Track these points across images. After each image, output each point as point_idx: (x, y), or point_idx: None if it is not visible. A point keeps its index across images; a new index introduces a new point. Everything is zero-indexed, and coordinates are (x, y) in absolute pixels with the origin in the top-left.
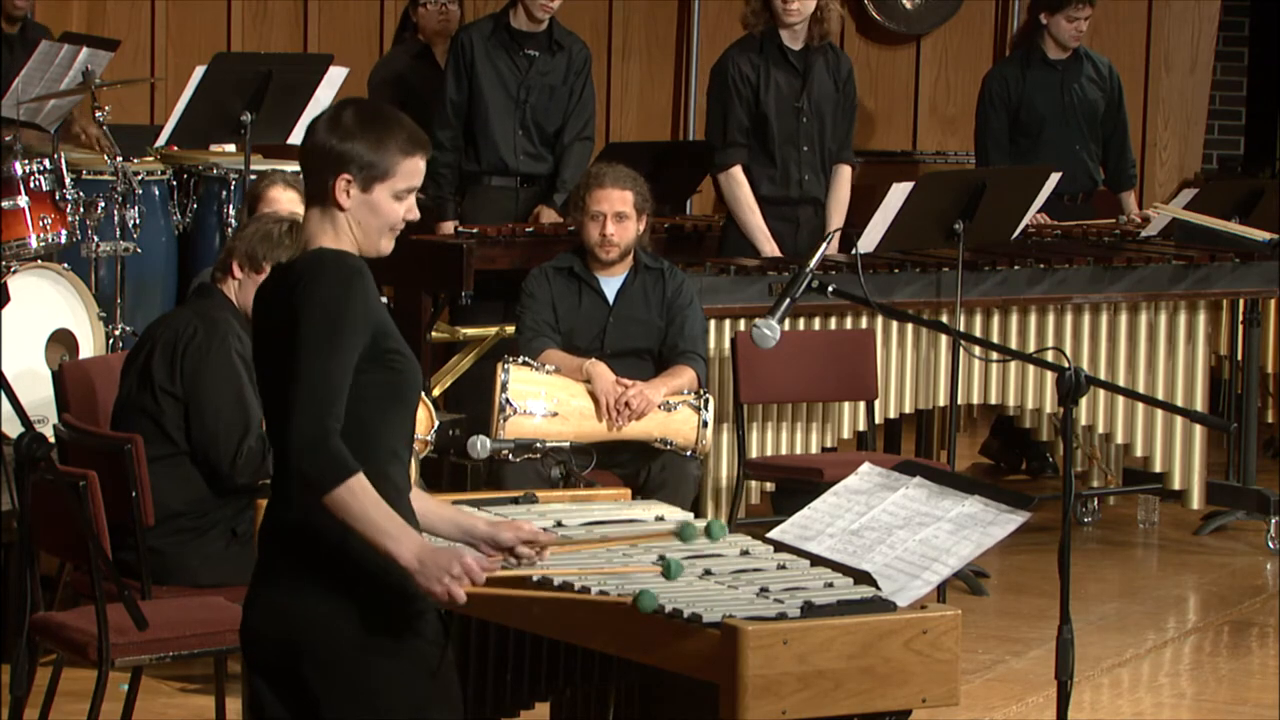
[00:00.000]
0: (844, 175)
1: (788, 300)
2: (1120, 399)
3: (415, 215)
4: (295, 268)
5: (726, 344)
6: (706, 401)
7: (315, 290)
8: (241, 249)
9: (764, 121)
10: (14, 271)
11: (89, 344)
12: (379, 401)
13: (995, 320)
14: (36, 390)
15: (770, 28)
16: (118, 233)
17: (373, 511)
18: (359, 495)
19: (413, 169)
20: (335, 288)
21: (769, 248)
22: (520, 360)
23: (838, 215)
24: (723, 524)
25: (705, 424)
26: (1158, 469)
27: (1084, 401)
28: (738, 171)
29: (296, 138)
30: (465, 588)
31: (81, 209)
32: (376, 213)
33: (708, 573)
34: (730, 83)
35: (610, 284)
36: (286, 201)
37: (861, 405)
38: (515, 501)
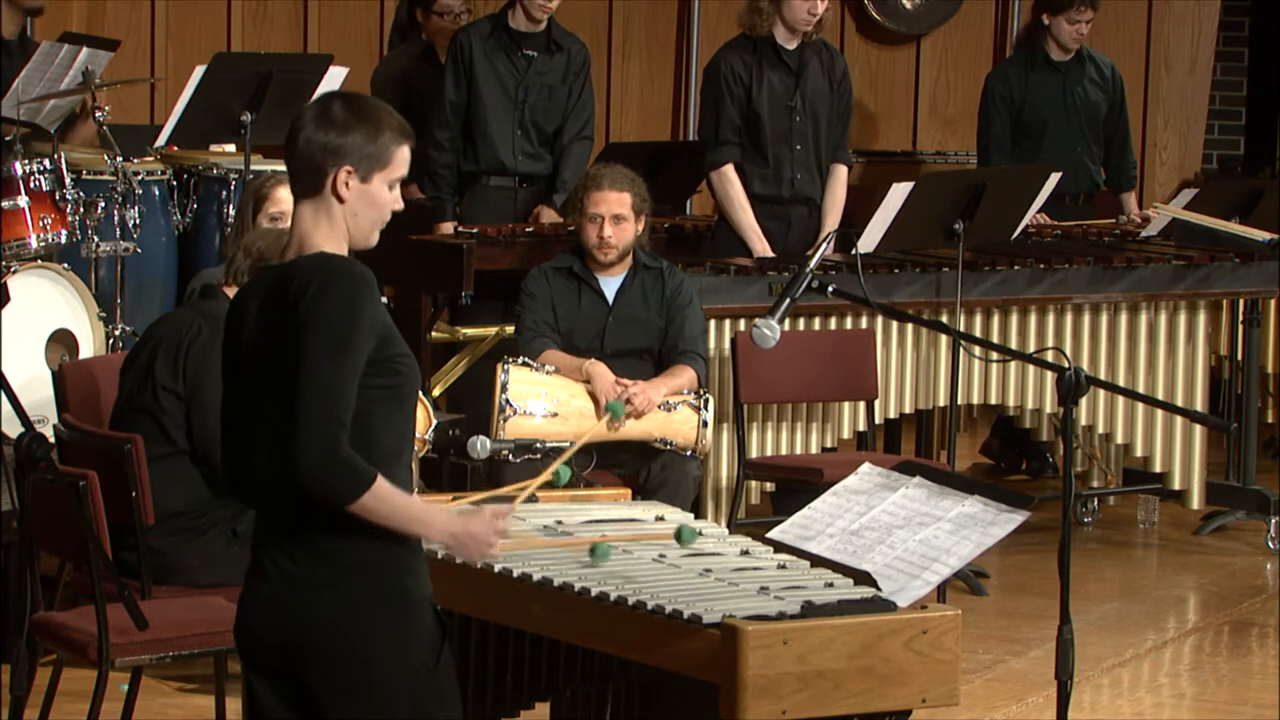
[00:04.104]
0: (840, 175)
1: (788, 300)
2: (1120, 399)
3: (400, 205)
4: (297, 272)
5: (726, 344)
6: (706, 401)
7: (326, 300)
8: (248, 264)
9: (756, 120)
10: (14, 271)
11: (89, 344)
12: (382, 404)
13: (995, 320)
14: (36, 390)
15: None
16: (118, 233)
17: (398, 508)
18: (382, 498)
19: (405, 157)
20: (347, 298)
21: (760, 246)
22: (520, 360)
23: (833, 215)
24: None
25: (705, 424)
26: (1158, 469)
27: (1084, 401)
28: (729, 170)
29: None
30: (500, 547)
31: (81, 209)
32: (374, 203)
33: (707, 572)
34: (723, 81)
35: (609, 284)
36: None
37: (861, 405)
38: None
